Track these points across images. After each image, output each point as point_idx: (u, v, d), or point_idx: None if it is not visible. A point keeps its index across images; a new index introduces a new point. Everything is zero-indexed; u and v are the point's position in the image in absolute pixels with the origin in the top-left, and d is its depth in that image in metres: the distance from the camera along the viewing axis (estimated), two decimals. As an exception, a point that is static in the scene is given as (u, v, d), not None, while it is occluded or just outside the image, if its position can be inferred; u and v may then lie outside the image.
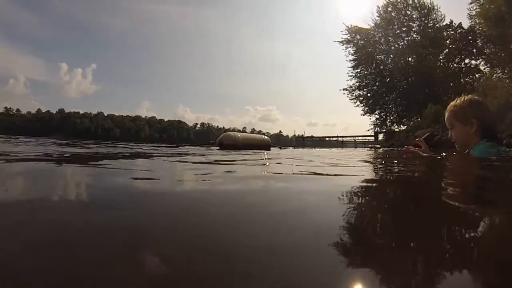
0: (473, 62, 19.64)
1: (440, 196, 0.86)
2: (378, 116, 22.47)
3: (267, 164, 1.92)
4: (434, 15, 20.55)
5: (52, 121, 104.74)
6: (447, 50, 20.28)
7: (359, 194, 0.90)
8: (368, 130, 23.60)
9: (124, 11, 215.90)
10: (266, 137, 6.45)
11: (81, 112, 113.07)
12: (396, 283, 0.35)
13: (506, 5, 14.83)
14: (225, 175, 1.27)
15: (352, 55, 21.95)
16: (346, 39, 21.83)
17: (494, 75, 16.39)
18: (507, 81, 14.59)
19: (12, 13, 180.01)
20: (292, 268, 0.35)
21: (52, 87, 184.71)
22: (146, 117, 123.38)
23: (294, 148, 8.01)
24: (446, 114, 2.29)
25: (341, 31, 21.86)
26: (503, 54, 16.39)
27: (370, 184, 1.16)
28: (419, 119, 18.47)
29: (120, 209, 0.62)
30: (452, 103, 2.26)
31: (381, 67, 21.84)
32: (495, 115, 9.73)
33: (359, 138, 32.14)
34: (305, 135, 38.62)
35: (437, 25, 20.52)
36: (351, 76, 22.26)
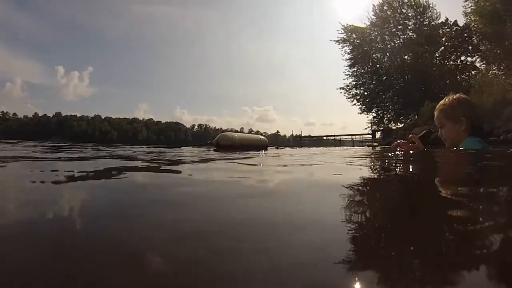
0: (469, 59, 19.66)
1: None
2: (375, 115, 22.47)
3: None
4: (430, 13, 20.58)
5: (49, 124, 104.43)
6: (443, 47, 20.31)
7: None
8: (366, 129, 23.64)
9: (121, 14, 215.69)
10: (263, 137, 6.48)
11: (78, 115, 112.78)
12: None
13: (501, 2, 14.90)
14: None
15: (349, 54, 21.92)
16: (342, 38, 21.82)
17: (490, 72, 16.44)
18: (503, 77, 14.65)
19: (8, 16, 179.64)
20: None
21: (49, 90, 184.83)
22: (143, 119, 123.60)
23: (292, 148, 8.01)
24: (436, 113, 2.36)
25: (337, 30, 21.86)
26: (498, 51, 16.46)
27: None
28: (416, 117, 18.49)
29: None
30: (441, 102, 2.34)
31: (378, 65, 21.83)
32: (491, 111, 9.77)
33: (357, 136, 32.24)
34: (303, 135, 38.68)
35: (432, 23, 20.56)
36: (347, 75, 22.24)
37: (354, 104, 22.35)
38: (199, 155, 2.82)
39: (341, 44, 21.88)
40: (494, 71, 16.52)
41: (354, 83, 22.21)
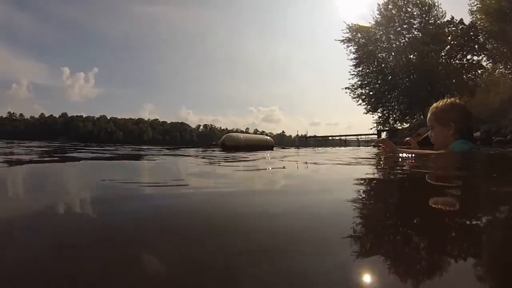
0: (475, 58, 19.45)
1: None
2: (380, 114, 22.36)
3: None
4: (435, 12, 20.43)
5: (55, 125, 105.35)
6: (448, 46, 20.14)
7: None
8: (371, 129, 23.52)
9: (125, 15, 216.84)
10: (268, 137, 6.43)
11: (84, 115, 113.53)
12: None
13: (507, 0, 14.75)
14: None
15: (354, 53, 21.82)
16: (347, 38, 21.74)
17: (497, 71, 16.30)
18: (510, 76, 14.53)
19: (14, 18, 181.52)
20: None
21: (55, 91, 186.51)
22: (149, 119, 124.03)
23: (298, 148, 7.91)
24: (428, 115, 2.47)
25: (342, 30, 21.79)
26: (505, 50, 16.30)
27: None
28: (422, 117, 18.37)
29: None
30: (435, 104, 2.44)
31: (383, 65, 21.72)
32: (498, 111, 9.69)
33: (362, 136, 32.07)
34: (308, 135, 38.56)
35: (438, 21, 20.39)
36: (352, 74, 22.14)
37: (360, 104, 22.28)
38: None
39: (346, 44, 21.83)
40: (500, 70, 16.38)
41: (359, 83, 22.13)
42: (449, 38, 20.07)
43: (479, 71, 18.87)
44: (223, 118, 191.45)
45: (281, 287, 0.33)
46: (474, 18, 18.22)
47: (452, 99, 2.39)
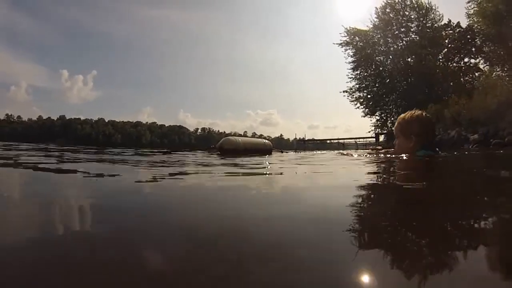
0: (472, 61, 19.55)
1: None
2: (378, 118, 22.40)
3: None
4: (432, 15, 20.53)
5: (53, 127, 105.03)
6: (446, 49, 20.23)
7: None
8: (369, 132, 23.55)
9: (125, 17, 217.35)
10: (267, 141, 6.35)
11: (82, 118, 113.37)
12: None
13: (504, 3, 14.83)
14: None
15: (352, 57, 21.91)
16: (345, 41, 21.82)
17: (494, 73, 16.36)
18: (507, 79, 14.57)
19: (14, 20, 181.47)
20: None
21: (53, 93, 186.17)
22: (147, 122, 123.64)
23: (296, 151, 7.86)
24: (396, 124, 2.69)
25: (340, 33, 21.86)
26: (502, 52, 16.37)
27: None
28: (419, 119, 18.37)
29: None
30: (402, 115, 2.65)
31: (381, 68, 21.79)
32: (495, 113, 9.70)
33: (360, 140, 32.07)
34: (306, 138, 38.49)
35: (435, 25, 20.49)
36: (351, 78, 22.19)
37: (358, 107, 22.32)
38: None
39: (344, 47, 21.91)
40: (497, 73, 16.44)
41: (357, 86, 22.18)
42: (446, 41, 20.17)
43: (476, 74, 18.97)
44: (221, 122, 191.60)
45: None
46: (471, 21, 18.33)
47: (419, 112, 2.58)
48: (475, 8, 17.26)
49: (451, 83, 19.18)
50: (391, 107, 21.84)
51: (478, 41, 18.49)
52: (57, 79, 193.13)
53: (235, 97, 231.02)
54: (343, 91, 22.39)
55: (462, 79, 19.60)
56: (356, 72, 22.03)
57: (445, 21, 20.34)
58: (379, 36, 21.44)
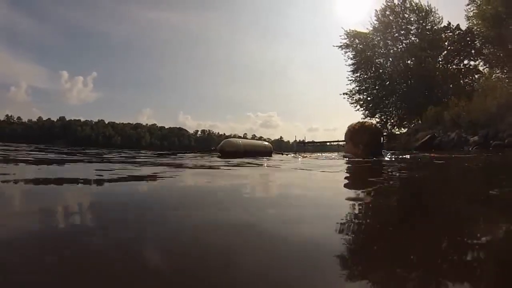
0: (472, 63, 19.60)
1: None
2: (378, 120, 22.38)
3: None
4: (432, 18, 20.57)
5: (53, 128, 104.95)
6: (445, 52, 20.27)
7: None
8: (369, 134, 23.51)
9: (125, 19, 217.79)
10: (267, 143, 6.33)
11: (82, 119, 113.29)
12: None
13: (503, 5, 14.89)
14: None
15: (351, 59, 21.93)
16: (345, 44, 21.87)
17: (493, 75, 16.41)
18: (507, 81, 14.60)
19: (14, 20, 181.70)
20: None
21: (53, 94, 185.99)
22: (147, 124, 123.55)
23: (296, 154, 7.76)
24: (346, 130, 2.98)
25: (340, 36, 21.90)
26: (501, 54, 16.42)
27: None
28: (419, 122, 18.42)
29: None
30: (352, 124, 2.92)
31: (381, 70, 21.81)
32: (495, 115, 9.71)
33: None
34: (306, 140, 38.49)
35: (435, 27, 20.54)
36: (350, 80, 22.22)
37: (358, 110, 22.33)
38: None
39: (344, 50, 21.95)
40: (497, 75, 16.49)
41: (357, 88, 22.20)
42: (446, 43, 20.23)
43: (476, 76, 19.01)
44: (221, 124, 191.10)
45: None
46: (470, 24, 18.40)
47: (368, 122, 2.95)
48: (474, 11, 17.34)
49: (451, 85, 19.22)
50: (391, 109, 21.87)
51: (477, 43, 18.54)
52: (57, 80, 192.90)
53: (235, 99, 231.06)
54: (343, 93, 22.44)
55: (461, 81, 19.64)
56: (356, 75, 22.07)
57: (444, 23, 20.43)
58: (379, 38, 21.49)
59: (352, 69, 22.00)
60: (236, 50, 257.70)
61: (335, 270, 0.44)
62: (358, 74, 22.05)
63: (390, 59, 21.58)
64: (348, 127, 2.93)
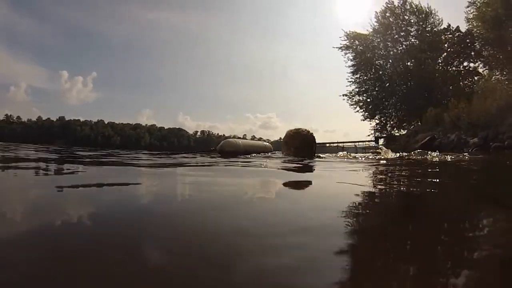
0: (471, 65, 19.64)
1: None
2: (378, 121, 22.41)
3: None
4: (432, 20, 20.62)
5: (52, 128, 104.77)
6: (445, 53, 20.29)
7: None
8: (369, 135, 23.51)
9: (125, 19, 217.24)
10: (267, 143, 6.27)
11: (82, 119, 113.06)
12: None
13: (503, 8, 14.92)
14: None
15: (351, 60, 21.96)
16: (345, 45, 21.89)
17: (493, 77, 16.44)
18: (506, 82, 14.63)
19: (14, 21, 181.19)
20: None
21: (53, 94, 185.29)
22: (146, 125, 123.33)
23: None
24: (284, 135, 3.61)
25: (340, 37, 21.94)
26: (501, 56, 16.45)
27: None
28: (419, 123, 18.42)
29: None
30: (290, 130, 3.53)
31: (380, 72, 21.82)
32: (495, 117, 9.71)
33: (360, 143, 32.06)
34: (305, 141, 38.43)
35: (435, 29, 20.58)
36: (350, 81, 22.25)
37: (357, 111, 22.35)
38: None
39: (344, 51, 21.98)
40: (497, 77, 16.52)
41: (357, 90, 22.22)
42: (446, 45, 20.26)
43: (475, 78, 19.04)
44: (221, 125, 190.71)
45: None
46: (470, 26, 18.44)
47: (302, 130, 3.45)
48: (474, 13, 17.38)
49: (451, 87, 19.24)
50: (390, 110, 21.88)
51: (477, 45, 18.58)
52: (56, 80, 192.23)
53: (234, 99, 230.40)
54: (343, 95, 22.46)
55: (461, 83, 19.66)
56: (356, 76, 22.10)
57: (444, 25, 20.49)
58: (379, 40, 21.51)
59: (352, 70, 22.06)
60: (236, 50, 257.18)
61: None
62: (358, 76, 22.09)
63: (390, 60, 21.61)
64: (287, 132, 3.54)
